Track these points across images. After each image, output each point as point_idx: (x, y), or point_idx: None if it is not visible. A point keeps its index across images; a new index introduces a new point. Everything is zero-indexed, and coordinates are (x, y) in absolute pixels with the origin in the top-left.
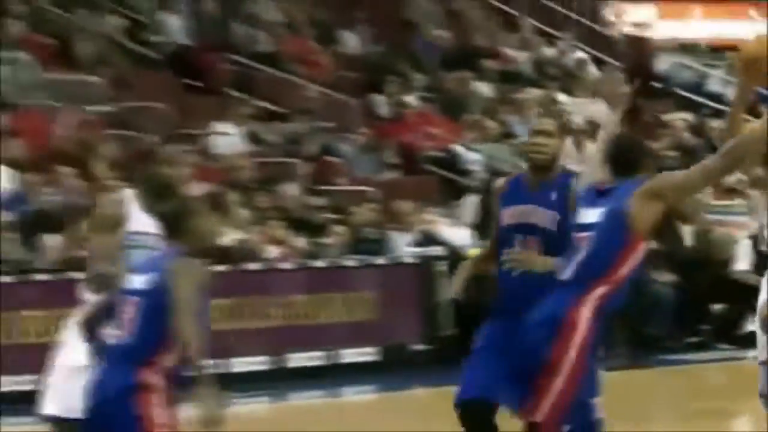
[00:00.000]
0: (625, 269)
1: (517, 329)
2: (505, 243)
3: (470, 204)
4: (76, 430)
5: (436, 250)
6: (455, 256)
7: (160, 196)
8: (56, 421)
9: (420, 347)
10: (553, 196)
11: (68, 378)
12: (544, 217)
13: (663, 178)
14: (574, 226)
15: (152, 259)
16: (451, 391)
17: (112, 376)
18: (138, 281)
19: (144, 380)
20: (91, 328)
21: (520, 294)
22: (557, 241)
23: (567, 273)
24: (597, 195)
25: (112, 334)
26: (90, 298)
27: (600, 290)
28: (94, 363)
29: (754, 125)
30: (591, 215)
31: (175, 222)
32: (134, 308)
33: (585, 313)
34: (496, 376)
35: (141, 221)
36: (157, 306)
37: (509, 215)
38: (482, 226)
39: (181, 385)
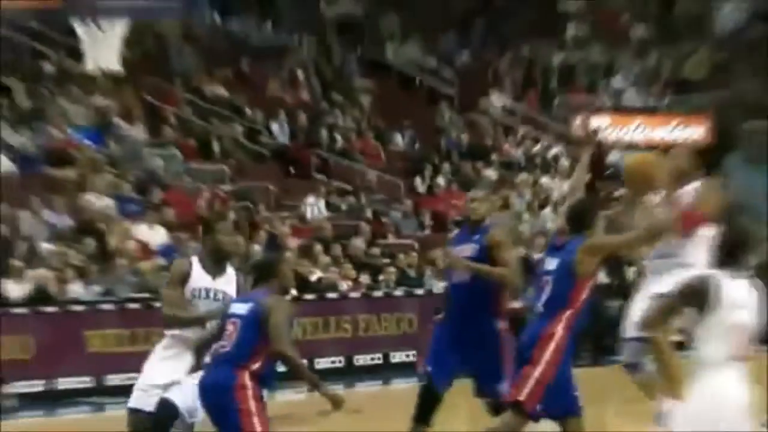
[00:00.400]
0: (579, 300)
1: (458, 328)
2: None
3: None
4: (148, 422)
5: None
6: None
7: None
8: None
9: None
10: (477, 238)
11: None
12: (472, 250)
13: (601, 239)
14: (541, 272)
15: (249, 294)
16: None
17: (219, 376)
18: (239, 308)
19: (242, 380)
20: (200, 351)
21: (455, 301)
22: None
23: (539, 306)
24: (555, 248)
25: (219, 345)
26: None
27: (565, 314)
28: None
29: (661, 215)
30: (550, 263)
31: (268, 269)
32: (234, 327)
33: (558, 329)
34: (444, 364)
35: (204, 279)
36: (251, 326)
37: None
38: None
39: (267, 384)
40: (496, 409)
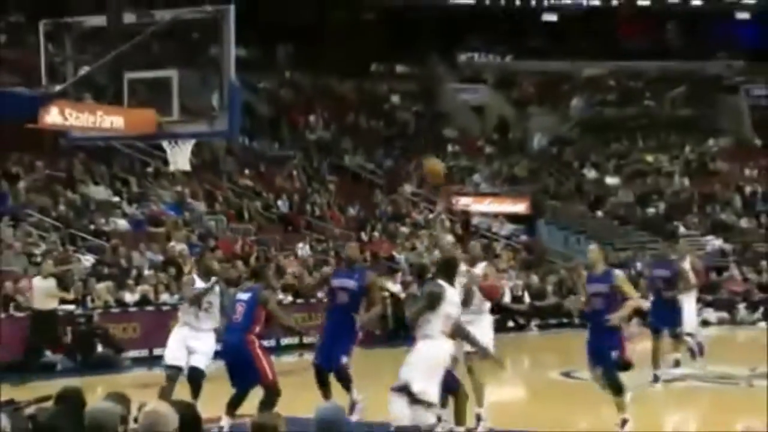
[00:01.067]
0: None
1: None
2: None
3: None
4: (176, 376)
5: None
6: None
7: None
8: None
9: None
10: (356, 275)
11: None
12: (350, 283)
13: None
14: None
15: (248, 287)
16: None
17: (234, 338)
18: (243, 296)
19: (249, 338)
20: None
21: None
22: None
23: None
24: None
25: (233, 319)
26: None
27: None
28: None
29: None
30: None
31: (259, 273)
32: (242, 308)
33: None
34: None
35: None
36: (251, 306)
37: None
38: None
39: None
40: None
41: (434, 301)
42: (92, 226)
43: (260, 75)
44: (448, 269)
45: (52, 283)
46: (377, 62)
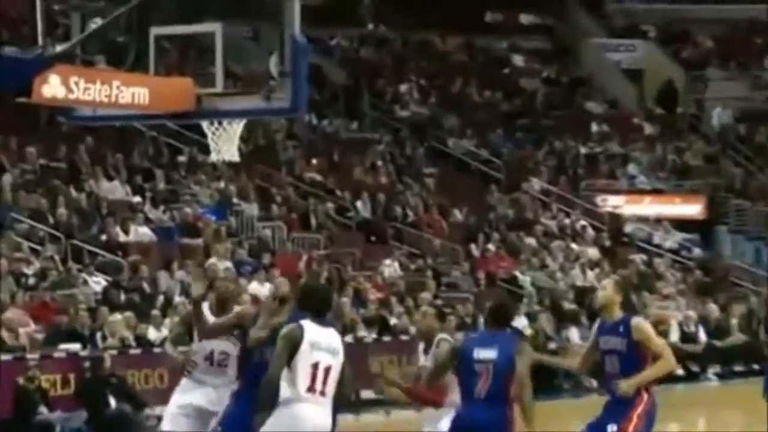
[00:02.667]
0: None
1: None
2: None
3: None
4: None
5: None
6: None
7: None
8: None
9: None
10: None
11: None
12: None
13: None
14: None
15: (499, 335)
16: None
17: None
18: (490, 352)
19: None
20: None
21: None
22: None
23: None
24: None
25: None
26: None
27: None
28: None
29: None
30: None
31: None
32: (489, 368)
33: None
34: None
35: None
36: (509, 366)
37: None
38: None
39: None
40: None
41: None
42: (103, 237)
43: (334, 29)
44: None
45: None
46: (494, 10)
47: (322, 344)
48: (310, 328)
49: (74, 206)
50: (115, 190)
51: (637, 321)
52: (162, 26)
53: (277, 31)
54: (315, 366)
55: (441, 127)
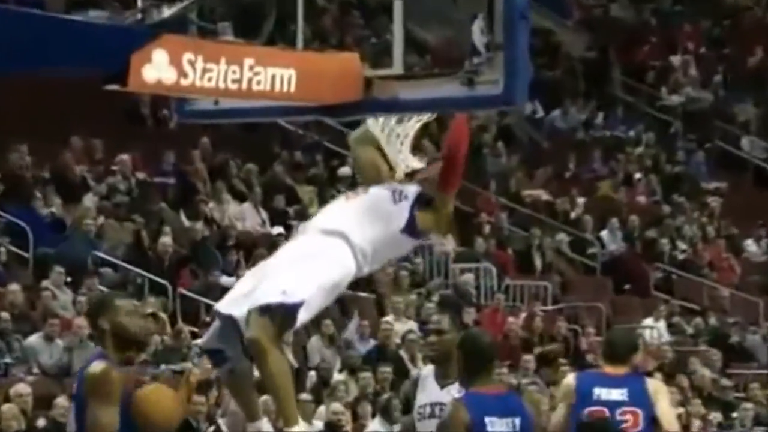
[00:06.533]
0: None
1: None
2: None
3: None
4: None
5: None
6: None
7: None
8: None
9: None
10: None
11: None
12: None
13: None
14: None
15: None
16: None
17: None
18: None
19: None
20: None
21: None
22: None
23: None
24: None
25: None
26: None
27: None
28: None
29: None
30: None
31: None
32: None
33: None
34: None
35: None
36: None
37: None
38: None
39: None
40: None
41: None
42: (228, 282)
43: None
44: None
45: None
46: None
47: None
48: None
49: (186, 239)
50: (245, 215)
51: (653, 382)
52: None
53: None
54: None
55: (732, 120)
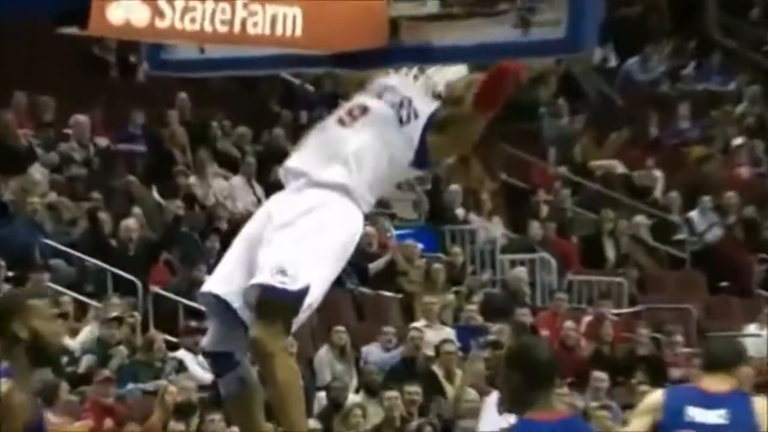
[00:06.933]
0: None
1: None
2: None
3: None
4: None
5: None
6: None
7: None
8: None
9: None
10: None
11: None
12: None
13: None
14: None
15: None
16: None
17: None
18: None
19: None
20: None
21: None
22: None
23: None
24: None
25: None
26: None
27: None
28: None
29: None
30: None
31: None
32: None
33: None
34: None
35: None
36: None
37: None
38: None
39: None
40: None
41: None
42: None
43: None
44: None
45: None
46: None
47: None
48: None
49: (160, 222)
50: (235, 192)
51: (759, 400)
52: None
53: None
54: None
55: None
